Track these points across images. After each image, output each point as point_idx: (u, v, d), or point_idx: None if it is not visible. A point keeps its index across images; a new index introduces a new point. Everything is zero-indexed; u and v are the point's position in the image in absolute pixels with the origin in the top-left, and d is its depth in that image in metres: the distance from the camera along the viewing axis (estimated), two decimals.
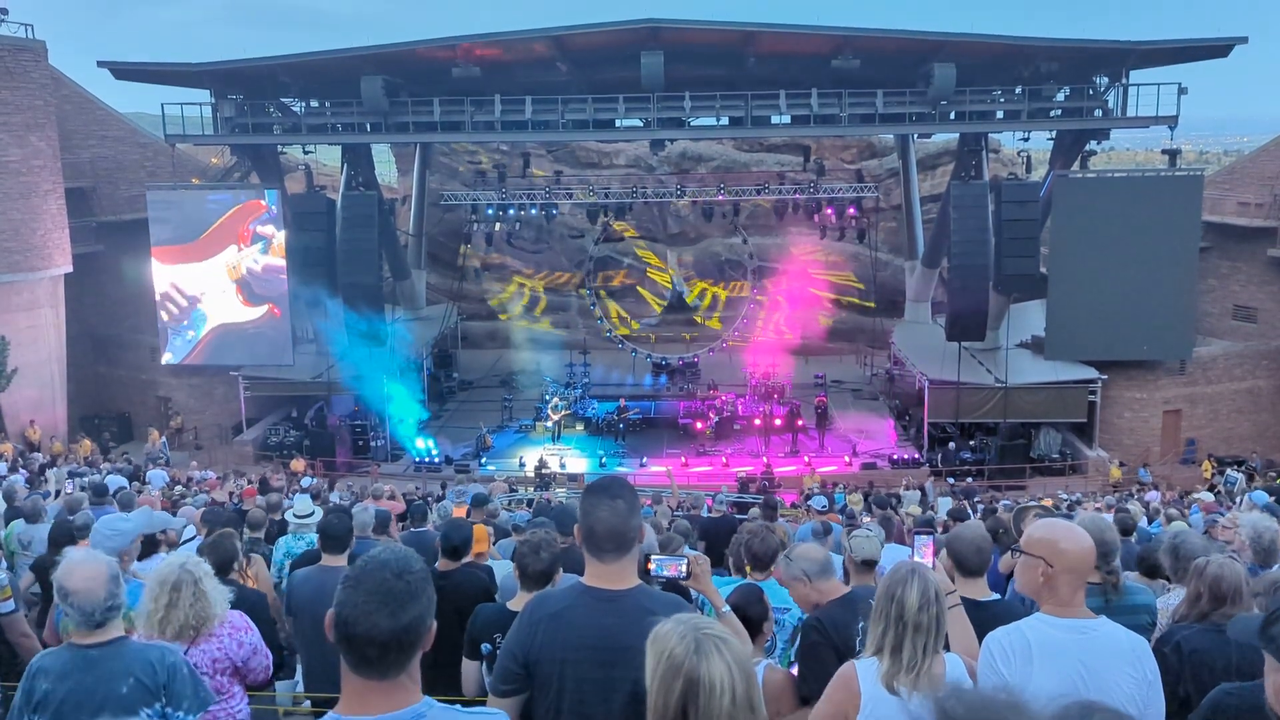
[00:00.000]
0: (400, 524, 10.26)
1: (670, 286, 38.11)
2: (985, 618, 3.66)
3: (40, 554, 6.76)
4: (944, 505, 17.29)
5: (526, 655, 2.98)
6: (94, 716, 3.15)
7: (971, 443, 27.93)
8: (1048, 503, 14.07)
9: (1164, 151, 28.27)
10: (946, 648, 3.32)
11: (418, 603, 2.17)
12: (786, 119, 27.60)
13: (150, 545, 6.14)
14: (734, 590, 4.88)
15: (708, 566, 3.93)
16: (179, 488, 17.75)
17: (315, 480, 20.16)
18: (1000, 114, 27.53)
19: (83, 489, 12.76)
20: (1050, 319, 27.57)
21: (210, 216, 28.07)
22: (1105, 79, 26.61)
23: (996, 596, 4.18)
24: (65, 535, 6.34)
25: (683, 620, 2.27)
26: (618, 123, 28.41)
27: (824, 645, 3.88)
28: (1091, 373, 27.15)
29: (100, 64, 27.53)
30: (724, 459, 27.31)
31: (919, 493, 22.11)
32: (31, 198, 26.62)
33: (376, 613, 2.12)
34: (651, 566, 3.51)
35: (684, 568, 3.55)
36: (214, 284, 28.30)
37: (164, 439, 27.63)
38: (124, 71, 28.08)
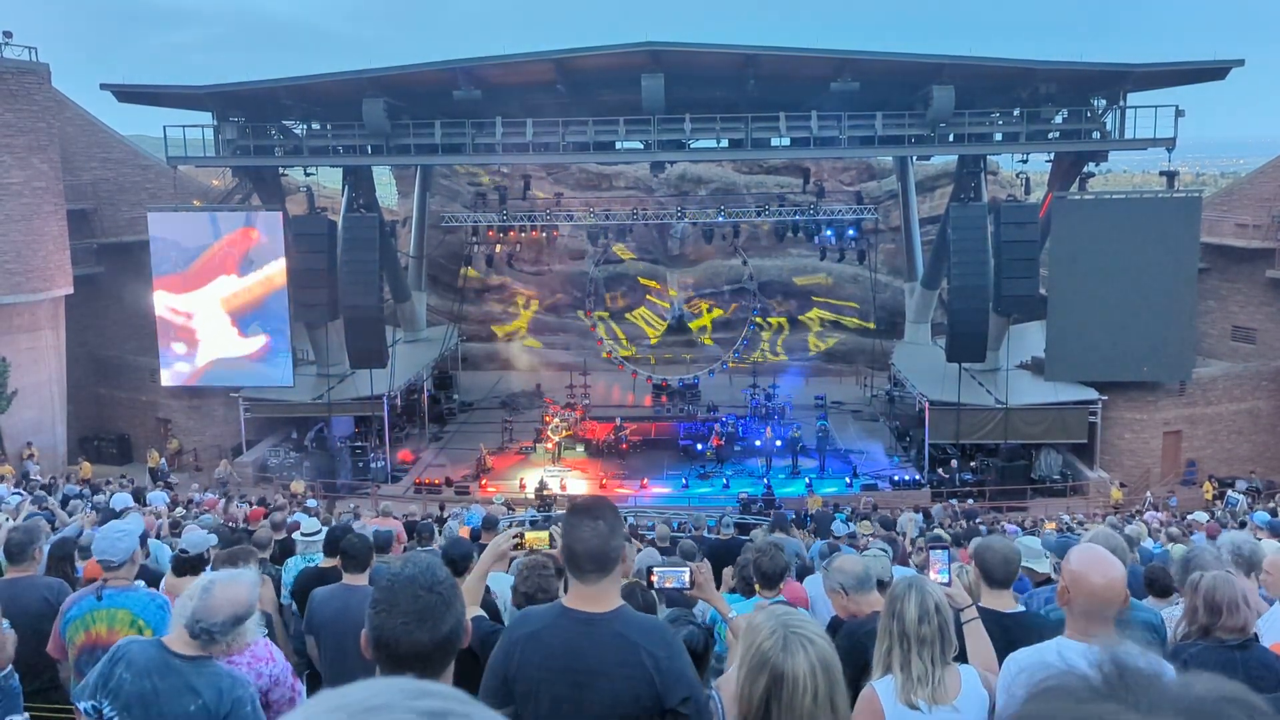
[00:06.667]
0: (407, 543, 10.24)
1: (669, 307, 38.18)
2: (1010, 628, 3.65)
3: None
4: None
5: (506, 672, 3.00)
6: None
7: (972, 464, 27.91)
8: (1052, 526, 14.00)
9: (1162, 173, 28.41)
10: (964, 660, 3.31)
11: (453, 611, 2.23)
12: (786, 141, 27.79)
13: (197, 565, 6.17)
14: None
15: (710, 575, 3.92)
16: (180, 509, 17.69)
17: (317, 502, 20.11)
18: (999, 136, 27.72)
19: (94, 509, 12.78)
20: (1050, 340, 27.60)
21: (204, 246, 28.09)
22: (1103, 101, 26.79)
23: (1022, 608, 4.16)
24: (65, 553, 6.31)
25: (775, 615, 2.30)
26: (618, 145, 28.57)
27: (855, 657, 3.86)
28: (1092, 394, 27.16)
29: (103, 86, 27.66)
30: (725, 481, 27.26)
31: (919, 515, 21.98)
32: (33, 219, 26.68)
33: (417, 630, 2.17)
34: (655, 578, 3.51)
35: (686, 577, 3.55)
36: (208, 313, 28.29)
37: (163, 460, 27.59)
38: (127, 94, 28.20)
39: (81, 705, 3.28)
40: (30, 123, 26.65)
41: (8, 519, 10.45)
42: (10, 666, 4.68)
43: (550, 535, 4.11)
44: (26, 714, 3.51)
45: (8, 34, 26.27)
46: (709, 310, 36.60)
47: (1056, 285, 27.40)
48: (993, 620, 3.86)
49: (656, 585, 3.44)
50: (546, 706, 2.92)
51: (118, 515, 11.85)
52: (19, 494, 14.62)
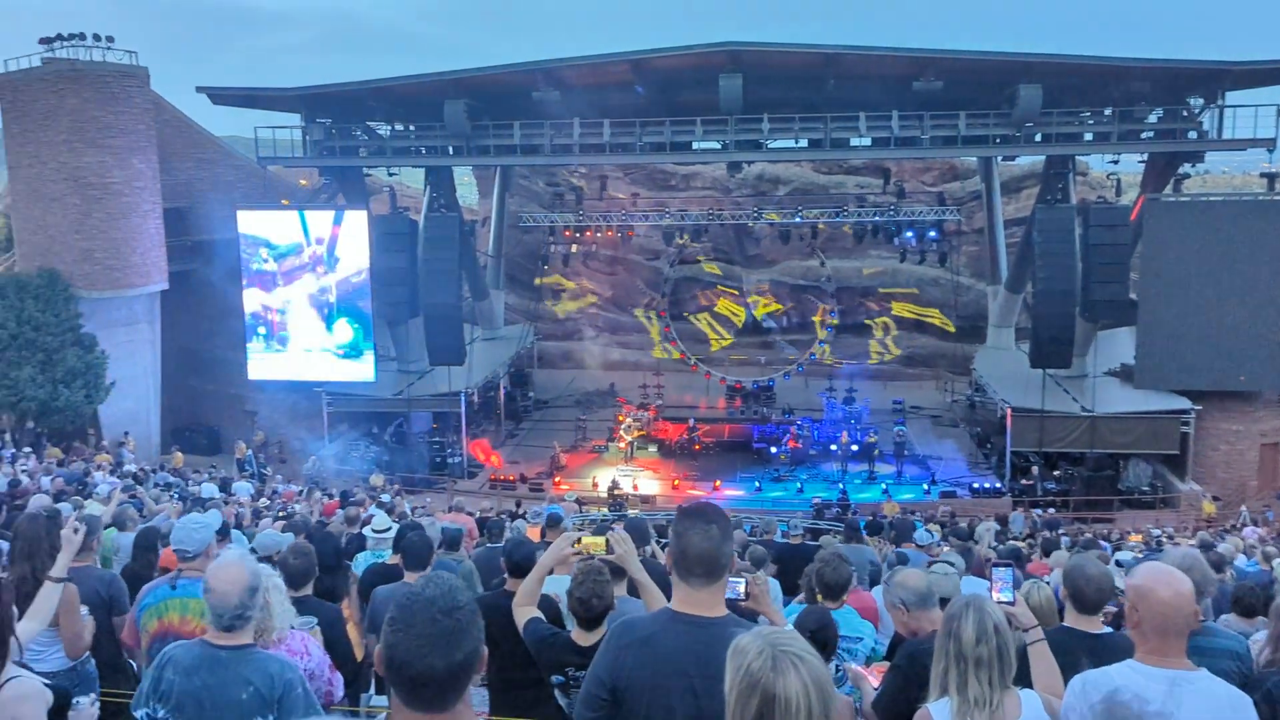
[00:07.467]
0: (478, 539, 10.37)
1: (743, 313, 37.97)
2: (1096, 650, 3.52)
3: (126, 563, 6.95)
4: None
5: (614, 681, 2.94)
6: (212, 718, 3.25)
7: (1056, 473, 27.14)
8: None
9: (1262, 174, 27.27)
10: (1027, 684, 3.20)
11: (470, 637, 2.13)
12: (866, 141, 27.41)
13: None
14: (805, 613, 4.79)
15: (767, 587, 3.85)
16: (263, 500, 18.18)
17: (392, 498, 20.46)
18: (1089, 136, 26.91)
19: (181, 499, 13.21)
20: (1140, 347, 26.70)
21: (292, 243, 28.89)
22: (1200, 100, 25.80)
23: (1110, 630, 4.00)
24: (149, 543, 6.51)
25: (762, 635, 2.23)
26: (695, 145, 28.50)
27: (915, 677, 3.77)
28: (1184, 403, 26.16)
29: (199, 89, 28.68)
30: (799, 485, 26.99)
31: (995, 525, 21.44)
32: (132, 217, 27.68)
33: (431, 655, 2.08)
34: None
35: (741, 589, 3.49)
36: (295, 310, 29.12)
37: (250, 452, 28.39)
38: (221, 96, 29.21)
39: (137, 714, 3.32)
40: (130, 124, 27.63)
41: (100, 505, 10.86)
42: (88, 653, 4.86)
43: (607, 541, 4.09)
44: (93, 695, 3.61)
45: (109, 39, 27.28)
46: (828, 316, 35.78)
47: (1148, 290, 26.49)
48: (1078, 640, 3.75)
49: None
50: (661, 714, 2.87)
51: (204, 505, 12.25)
52: (112, 482, 15.18)
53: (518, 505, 22.15)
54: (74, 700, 3.42)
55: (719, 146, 27.94)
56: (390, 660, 2.11)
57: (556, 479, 27.64)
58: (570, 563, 4.88)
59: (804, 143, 28.11)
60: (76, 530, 4.67)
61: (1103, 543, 16.63)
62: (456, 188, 32.48)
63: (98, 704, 3.47)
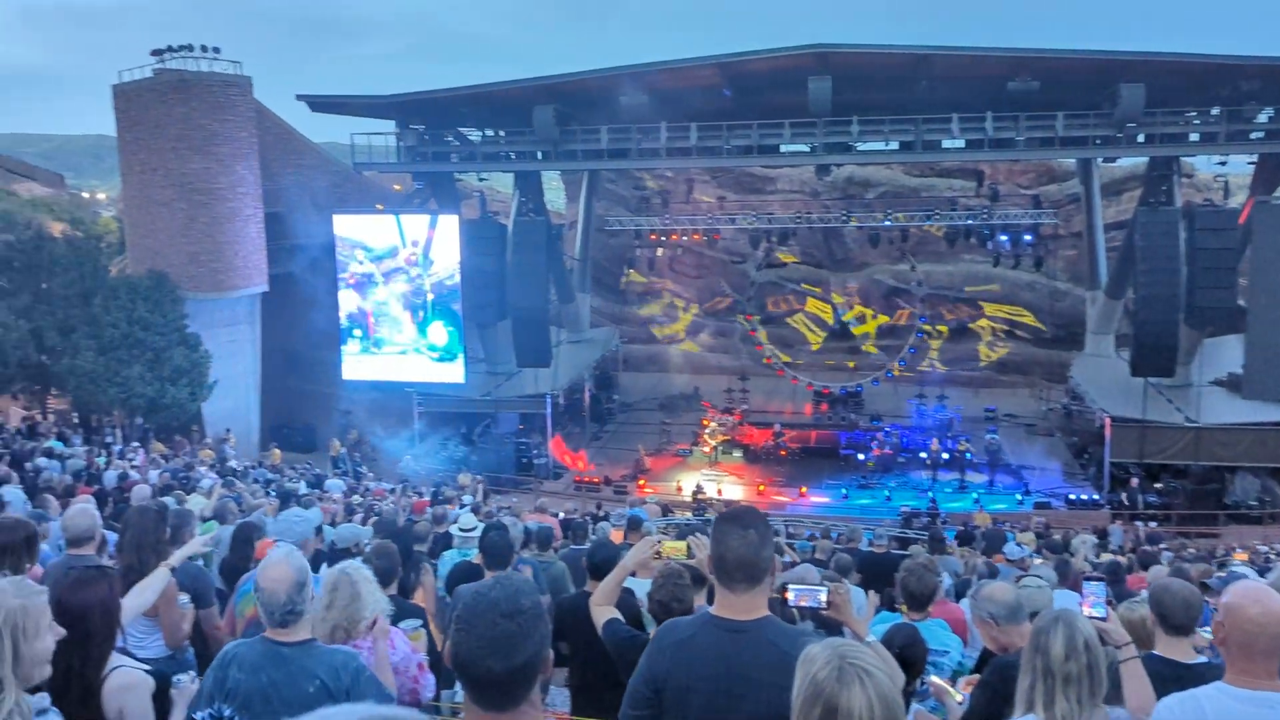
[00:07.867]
0: (562, 540, 10.47)
1: (831, 313, 37.51)
2: (1188, 681, 3.37)
3: (225, 555, 7.18)
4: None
5: (655, 681, 2.99)
6: (279, 713, 3.26)
7: (1157, 485, 26.15)
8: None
9: None
10: (1119, 702, 3.09)
11: (530, 641, 2.15)
12: (959, 143, 26.86)
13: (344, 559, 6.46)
14: (893, 629, 4.71)
15: (848, 596, 3.80)
16: (356, 497, 18.66)
17: (475, 498, 20.79)
18: (1195, 136, 25.88)
19: (277, 495, 13.63)
20: (1249, 355, 25.55)
21: (387, 247, 29.61)
22: None
23: (1205, 660, 3.82)
24: (246, 536, 6.72)
25: (832, 645, 2.21)
26: (783, 148, 28.27)
27: (1005, 693, 3.69)
28: None
29: (299, 97, 29.62)
30: (887, 494, 26.56)
31: (1093, 538, 20.73)
32: (235, 221, 28.70)
33: (490, 657, 2.10)
34: (789, 595, 3.44)
35: (823, 597, 3.45)
36: (389, 311, 29.90)
37: (344, 450, 29.16)
38: (319, 104, 30.12)
39: (198, 715, 3.36)
40: (234, 132, 28.64)
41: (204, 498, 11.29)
42: (188, 641, 5.05)
43: (688, 546, 4.09)
44: (192, 673, 3.74)
45: (215, 49, 28.32)
46: (916, 321, 35.09)
47: (1258, 296, 25.34)
48: (1170, 671, 3.62)
49: (791, 603, 3.37)
50: (696, 715, 2.92)
51: (299, 500, 12.63)
52: (213, 478, 15.77)
53: (598, 507, 22.29)
54: (174, 678, 3.53)
55: (807, 149, 27.66)
56: (455, 659, 2.17)
57: (640, 482, 27.71)
58: (652, 566, 4.92)
59: (894, 145, 27.68)
60: (206, 545, 4.93)
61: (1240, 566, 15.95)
62: (544, 192, 32.87)
63: (198, 680, 3.58)
